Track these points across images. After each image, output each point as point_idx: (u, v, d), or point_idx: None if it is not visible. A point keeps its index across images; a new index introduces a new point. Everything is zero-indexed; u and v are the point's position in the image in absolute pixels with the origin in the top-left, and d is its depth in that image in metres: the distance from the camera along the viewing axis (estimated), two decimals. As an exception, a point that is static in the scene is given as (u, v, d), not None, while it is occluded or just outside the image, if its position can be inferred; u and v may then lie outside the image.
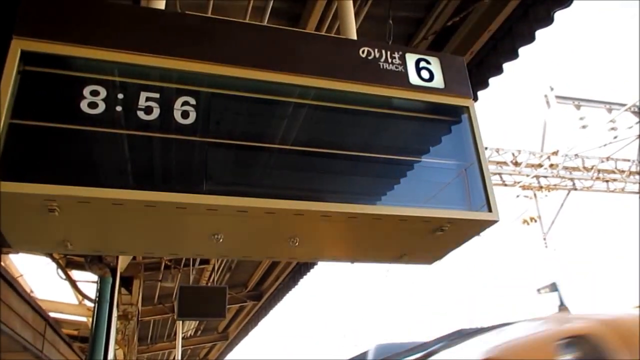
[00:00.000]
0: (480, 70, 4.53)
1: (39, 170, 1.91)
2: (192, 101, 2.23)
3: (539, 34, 3.95)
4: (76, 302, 9.91)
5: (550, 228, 13.66)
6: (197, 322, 13.25)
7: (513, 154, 12.57)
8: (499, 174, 12.41)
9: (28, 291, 9.65)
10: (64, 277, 8.14)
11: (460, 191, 2.49)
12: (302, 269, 9.51)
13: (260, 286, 11.72)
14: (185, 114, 2.19)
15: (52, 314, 9.76)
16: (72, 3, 2.22)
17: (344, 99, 2.48)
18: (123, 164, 2.06)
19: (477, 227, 2.45)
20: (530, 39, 3.95)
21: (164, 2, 2.73)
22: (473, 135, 2.56)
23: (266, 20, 3.99)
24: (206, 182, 2.12)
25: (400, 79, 2.57)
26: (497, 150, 12.33)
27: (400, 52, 2.65)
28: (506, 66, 4.35)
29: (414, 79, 2.60)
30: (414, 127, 2.62)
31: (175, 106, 2.19)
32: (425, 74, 2.64)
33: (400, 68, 2.61)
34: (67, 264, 8.27)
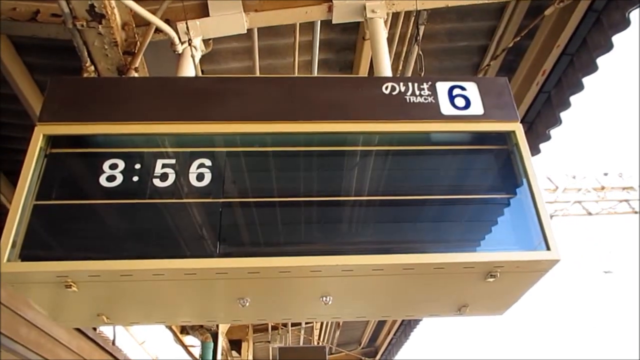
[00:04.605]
0: (560, 90, 4.08)
1: (49, 248, 1.96)
2: (208, 162, 2.20)
3: (618, 39, 3.47)
4: (197, 367, 10.27)
5: None
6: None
7: (641, 176, 11.12)
8: (626, 200, 10.97)
9: (153, 358, 10.23)
10: (177, 342, 8.52)
11: (510, 229, 2.14)
12: (411, 322, 9.04)
13: (374, 342, 11.32)
14: (199, 177, 2.16)
15: (175, 379, 10.21)
16: (90, 84, 2.34)
17: (367, 141, 2.30)
18: (128, 234, 2.05)
19: (536, 270, 2.07)
20: (607, 47, 3.47)
21: (194, 71, 2.81)
22: (522, 163, 2.22)
23: (315, 72, 3.96)
24: (221, 246, 2.04)
25: (429, 110, 2.33)
26: (621, 175, 10.98)
27: (430, 83, 2.42)
28: (587, 82, 3.86)
29: (446, 108, 2.34)
30: (452, 161, 2.34)
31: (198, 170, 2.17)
32: (460, 102, 2.37)
33: (430, 99, 2.37)
34: (181, 330, 8.67)
